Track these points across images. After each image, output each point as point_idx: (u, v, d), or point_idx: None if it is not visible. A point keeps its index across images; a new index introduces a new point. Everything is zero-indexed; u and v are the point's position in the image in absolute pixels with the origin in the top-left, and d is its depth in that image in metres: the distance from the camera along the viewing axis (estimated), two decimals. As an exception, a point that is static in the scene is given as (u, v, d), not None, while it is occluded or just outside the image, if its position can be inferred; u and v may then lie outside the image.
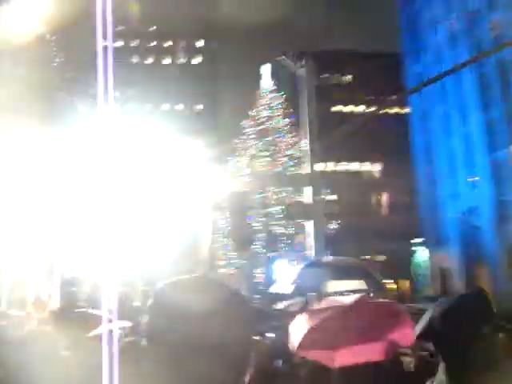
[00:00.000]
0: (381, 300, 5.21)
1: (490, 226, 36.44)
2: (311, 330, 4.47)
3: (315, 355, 4.51)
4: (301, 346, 4.46)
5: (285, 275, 8.72)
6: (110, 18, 2.91)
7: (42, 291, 19.89)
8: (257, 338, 5.68)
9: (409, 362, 6.00)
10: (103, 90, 2.75)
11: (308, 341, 4.44)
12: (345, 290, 8.18)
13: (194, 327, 1.34)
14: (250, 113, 37.01)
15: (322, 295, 8.70)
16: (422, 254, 49.97)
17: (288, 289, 7.71)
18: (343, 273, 6.89)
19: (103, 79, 2.76)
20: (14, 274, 19.51)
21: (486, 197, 36.73)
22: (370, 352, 4.33)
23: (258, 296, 24.78)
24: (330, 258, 7.69)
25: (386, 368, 4.63)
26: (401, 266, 55.74)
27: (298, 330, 4.61)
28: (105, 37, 2.86)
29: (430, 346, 7.28)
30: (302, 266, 8.07)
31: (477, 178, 39.10)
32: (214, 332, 1.35)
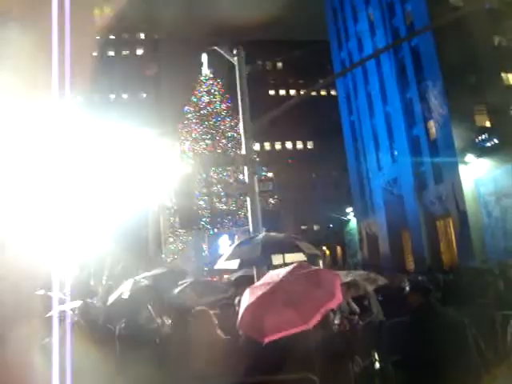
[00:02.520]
0: (313, 267, 5.19)
1: (410, 194, 37.58)
2: (248, 307, 4.48)
3: (249, 331, 4.50)
4: (240, 322, 4.47)
5: (226, 251, 8.66)
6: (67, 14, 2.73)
7: None
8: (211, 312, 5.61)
9: (336, 323, 6.05)
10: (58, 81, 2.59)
11: (245, 317, 4.45)
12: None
13: None
14: (191, 99, 36.48)
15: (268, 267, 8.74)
16: (352, 222, 51.14)
17: (233, 264, 7.60)
18: (274, 248, 6.86)
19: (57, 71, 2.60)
20: None
21: (406, 168, 37.81)
22: (300, 321, 4.28)
23: (206, 269, 24.68)
24: (263, 233, 7.67)
25: (314, 332, 4.60)
26: (333, 233, 57.02)
27: (242, 306, 4.62)
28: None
29: (356, 307, 7.41)
30: (234, 244, 8.03)
31: (396, 152, 40.18)
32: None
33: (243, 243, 7.28)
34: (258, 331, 4.23)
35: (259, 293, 4.55)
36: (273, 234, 7.67)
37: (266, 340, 4.10)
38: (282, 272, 4.86)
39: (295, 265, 5.05)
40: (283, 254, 7.03)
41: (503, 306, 6.84)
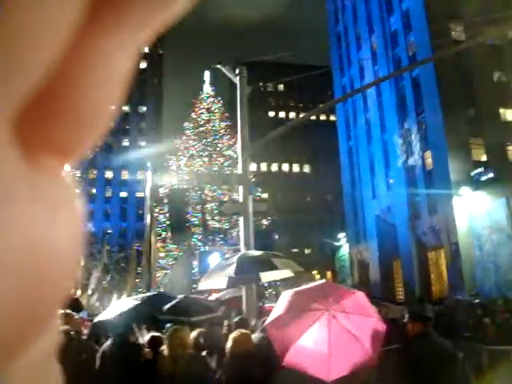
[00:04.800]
0: (344, 289, 4.86)
1: (403, 223, 37.60)
2: (300, 343, 4.03)
3: (308, 368, 3.98)
4: (290, 358, 4.01)
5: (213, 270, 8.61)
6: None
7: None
8: None
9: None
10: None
11: (297, 353, 4.01)
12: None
13: None
14: (191, 115, 36.72)
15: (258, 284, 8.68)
16: (344, 248, 51.02)
17: (220, 284, 7.54)
18: (249, 267, 6.86)
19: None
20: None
21: (400, 197, 37.91)
22: (362, 354, 4.02)
23: (195, 286, 24.56)
24: (242, 252, 7.67)
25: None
26: (324, 258, 56.88)
27: (282, 339, 4.13)
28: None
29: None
30: (213, 266, 8.07)
31: (392, 181, 40.35)
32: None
33: (221, 263, 7.32)
34: (324, 371, 3.90)
35: (304, 322, 4.10)
36: (250, 252, 7.68)
37: (333, 377, 3.82)
38: (318, 299, 4.25)
39: (321, 287, 4.55)
40: (257, 273, 6.97)
41: (489, 341, 6.87)
